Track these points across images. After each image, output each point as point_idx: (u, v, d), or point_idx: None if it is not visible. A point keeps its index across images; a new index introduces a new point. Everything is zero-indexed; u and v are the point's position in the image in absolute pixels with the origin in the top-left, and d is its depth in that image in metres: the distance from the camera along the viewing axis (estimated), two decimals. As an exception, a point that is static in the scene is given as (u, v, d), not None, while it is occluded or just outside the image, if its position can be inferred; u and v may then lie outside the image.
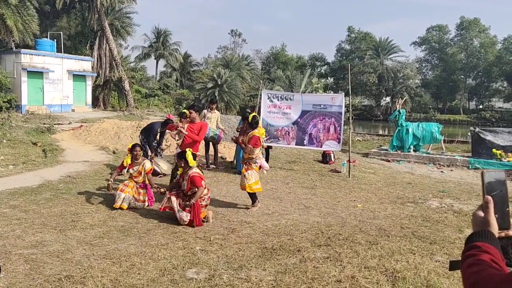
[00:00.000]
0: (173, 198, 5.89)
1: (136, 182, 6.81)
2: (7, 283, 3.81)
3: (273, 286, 3.88)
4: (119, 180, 7.73)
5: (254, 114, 7.13)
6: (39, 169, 9.73)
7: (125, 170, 7.08)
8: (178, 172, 6.32)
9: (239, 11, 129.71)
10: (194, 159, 6.17)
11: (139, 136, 10.17)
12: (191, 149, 6.37)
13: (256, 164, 6.78)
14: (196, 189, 5.86)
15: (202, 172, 6.28)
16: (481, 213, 1.29)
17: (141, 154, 7.06)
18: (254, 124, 6.91)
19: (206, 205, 6.07)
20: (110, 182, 6.98)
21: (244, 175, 6.70)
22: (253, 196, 6.81)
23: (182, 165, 6.12)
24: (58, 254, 4.59)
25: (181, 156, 6.14)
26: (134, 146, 7.02)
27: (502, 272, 1.12)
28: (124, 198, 6.47)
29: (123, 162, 7.01)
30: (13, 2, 23.59)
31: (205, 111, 11.19)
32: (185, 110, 7.77)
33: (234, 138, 7.59)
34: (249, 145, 6.69)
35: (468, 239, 1.27)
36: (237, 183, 8.58)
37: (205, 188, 6.00)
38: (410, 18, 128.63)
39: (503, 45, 51.30)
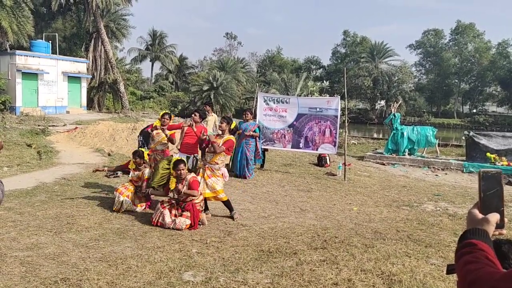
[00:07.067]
0: (166, 213, 5.79)
1: (136, 186, 6.80)
2: (2, 286, 3.78)
3: (270, 289, 3.88)
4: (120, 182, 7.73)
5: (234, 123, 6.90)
6: (34, 171, 9.68)
7: (131, 174, 6.99)
8: (172, 183, 6.13)
9: (234, 14, 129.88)
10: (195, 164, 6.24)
11: (138, 137, 10.10)
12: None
13: (220, 171, 6.32)
14: (192, 192, 5.87)
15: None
16: (477, 211, 1.30)
17: (142, 163, 6.94)
18: (233, 130, 6.65)
19: (201, 210, 6.07)
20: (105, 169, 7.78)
21: (207, 183, 6.18)
22: (228, 204, 6.40)
23: (187, 170, 6.01)
24: (54, 256, 4.56)
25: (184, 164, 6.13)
26: (133, 153, 7.00)
27: (500, 271, 1.12)
28: (122, 202, 6.45)
29: (128, 162, 7.12)
30: (8, 4, 23.50)
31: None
32: (167, 111, 7.88)
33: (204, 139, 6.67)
34: (223, 147, 6.25)
35: (462, 236, 1.27)
36: (233, 185, 8.59)
37: (200, 194, 6.02)
38: (406, 22, 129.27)
39: (497, 50, 51.65)
